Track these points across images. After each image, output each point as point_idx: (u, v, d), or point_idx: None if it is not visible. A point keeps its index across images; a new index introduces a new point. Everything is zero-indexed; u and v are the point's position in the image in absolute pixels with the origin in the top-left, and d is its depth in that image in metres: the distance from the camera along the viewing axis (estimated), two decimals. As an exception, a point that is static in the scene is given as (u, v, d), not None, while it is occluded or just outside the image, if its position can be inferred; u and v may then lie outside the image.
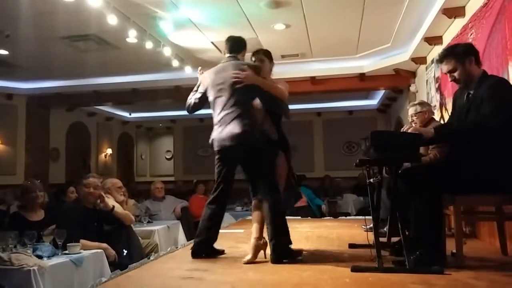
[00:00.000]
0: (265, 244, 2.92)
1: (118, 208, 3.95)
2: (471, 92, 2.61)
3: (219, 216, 3.14)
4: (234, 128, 2.94)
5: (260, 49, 3.52)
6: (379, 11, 5.02)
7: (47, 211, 3.69)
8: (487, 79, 2.58)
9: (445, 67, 2.66)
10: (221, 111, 3.03)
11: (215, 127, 3.05)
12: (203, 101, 3.22)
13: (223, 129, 2.98)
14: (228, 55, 3.19)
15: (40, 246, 2.96)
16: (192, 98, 3.28)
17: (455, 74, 2.61)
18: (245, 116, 2.97)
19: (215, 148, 3.06)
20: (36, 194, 3.53)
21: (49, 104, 8.60)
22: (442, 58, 2.67)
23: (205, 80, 3.19)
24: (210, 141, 3.09)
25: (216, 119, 3.06)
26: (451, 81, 2.69)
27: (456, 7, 4.33)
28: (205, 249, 3.09)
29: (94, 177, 3.88)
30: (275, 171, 3.05)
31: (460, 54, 2.61)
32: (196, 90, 3.27)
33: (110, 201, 4.16)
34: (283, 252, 2.85)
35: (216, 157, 3.11)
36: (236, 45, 3.21)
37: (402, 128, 2.83)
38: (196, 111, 3.31)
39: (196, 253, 3.06)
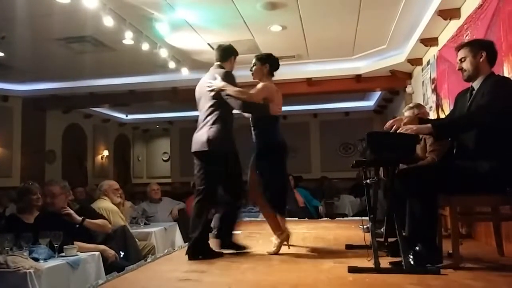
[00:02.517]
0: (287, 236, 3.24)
1: (91, 221, 3.67)
2: (475, 88, 2.64)
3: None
4: (199, 135, 3.18)
5: (259, 54, 3.60)
6: (375, 13, 5.03)
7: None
8: (492, 77, 2.60)
9: (459, 54, 2.69)
10: (200, 117, 3.26)
11: None
12: None
13: (195, 134, 3.23)
14: (215, 63, 3.36)
15: (37, 249, 2.95)
16: None
17: (464, 63, 2.64)
18: (214, 123, 3.13)
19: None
20: (37, 196, 3.51)
21: (45, 106, 8.58)
22: (460, 46, 2.72)
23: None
24: None
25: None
26: (458, 69, 2.70)
27: (452, 9, 4.35)
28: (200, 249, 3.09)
29: (52, 185, 3.68)
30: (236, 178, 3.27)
31: (475, 46, 2.65)
32: None
33: (103, 203, 4.10)
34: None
35: None
36: (219, 54, 3.37)
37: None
38: None
39: (193, 255, 3.05)
